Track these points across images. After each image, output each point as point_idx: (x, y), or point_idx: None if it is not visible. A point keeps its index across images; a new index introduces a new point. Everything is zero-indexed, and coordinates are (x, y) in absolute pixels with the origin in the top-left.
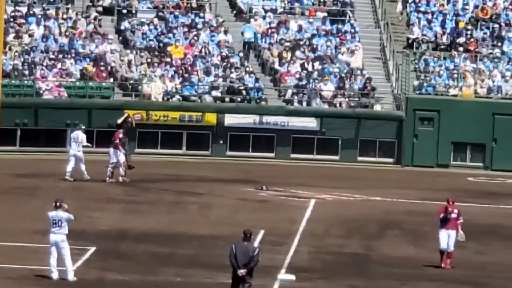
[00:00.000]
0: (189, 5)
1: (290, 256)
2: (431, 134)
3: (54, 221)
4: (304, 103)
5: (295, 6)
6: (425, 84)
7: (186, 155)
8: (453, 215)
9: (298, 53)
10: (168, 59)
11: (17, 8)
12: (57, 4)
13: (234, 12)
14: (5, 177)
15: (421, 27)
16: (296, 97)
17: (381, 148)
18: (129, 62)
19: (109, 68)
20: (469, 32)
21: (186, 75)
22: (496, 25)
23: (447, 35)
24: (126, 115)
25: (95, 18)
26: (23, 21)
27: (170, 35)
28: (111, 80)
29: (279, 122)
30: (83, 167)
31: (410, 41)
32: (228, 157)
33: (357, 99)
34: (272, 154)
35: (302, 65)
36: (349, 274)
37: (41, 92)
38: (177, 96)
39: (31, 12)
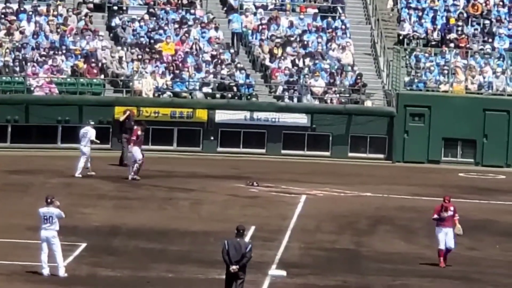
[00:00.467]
0: (180, 1)
1: (281, 252)
2: (422, 130)
3: (45, 217)
4: (295, 99)
5: (286, 3)
6: (416, 80)
7: (177, 151)
8: (449, 213)
9: (289, 49)
10: (159, 56)
11: (7, 4)
12: (48, 0)
13: (225, 8)
14: None
15: (412, 23)
16: (287, 93)
17: (372, 144)
18: (120, 58)
19: (100, 64)
20: (460, 28)
21: (177, 71)
22: (487, 21)
23: (438, 31)
24: (128, 112)
25: (86, 15)
26: (14, 17)
27: (161, 31)
28: (102, 76)
29: (270, 118)
30: (88, 163)
31: (401, 37)
32: (219, 153)
33: (348, 95)
34: (263, 150)
35: (293, 61)
36: (340, 270)
37: (32, 88)
38: (168, 93)
39: (22, 8)
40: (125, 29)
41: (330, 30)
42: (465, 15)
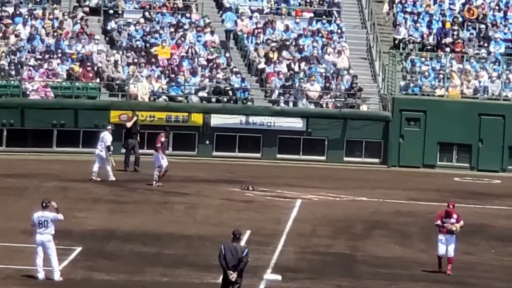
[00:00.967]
0: (175, 5)
1: (276, 256)
2: (418, 135)
3: (40, 222)
4: (291, 104)
5: (282, 7)
6: (411, 85)
7: (172, 156)
8: (452, 220)
9: (284, 53)
10: (154, 60)
11: (3, 8)
12: (44, 4)
13: (221, 12)
14: None
15: (407, 27)
16: (282, 98)
17: (368, 149)
18: (116, 62)
19: (95, 68)
20: (455, 33)
21: (173, 75)
22: (483, 26)
23: (433, 36)
24: (135, 118)
25: (81, 19)
26: (9, 21)
27: (157, 35)
28: (98, 80)
29: (265, 123)
30: (103, 167)
31: (396, 42)
32: (215, 158)
33: (343, 99)
34: (258, 155)
35: (288, 66)
36: (335, 274)
37: (28, 92)
38: (164, 97)
39: (18, 12)
40: (120, 32)
41: (326, 34)
42: (460, 19)
